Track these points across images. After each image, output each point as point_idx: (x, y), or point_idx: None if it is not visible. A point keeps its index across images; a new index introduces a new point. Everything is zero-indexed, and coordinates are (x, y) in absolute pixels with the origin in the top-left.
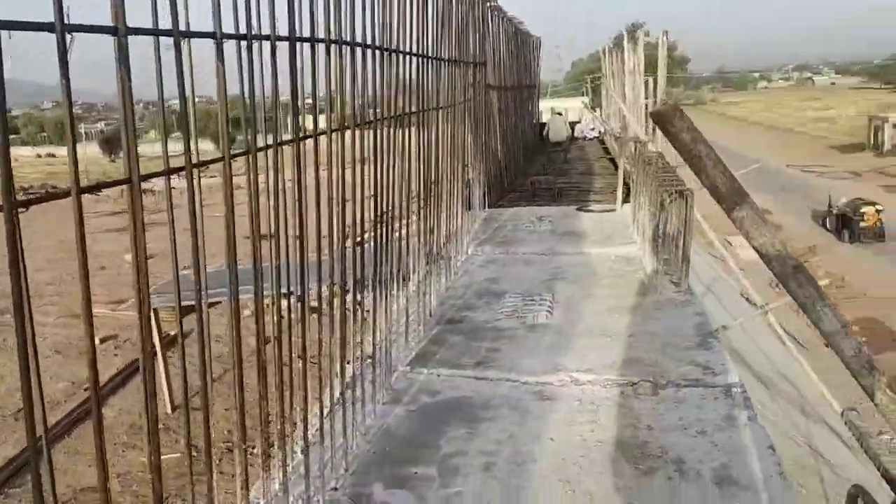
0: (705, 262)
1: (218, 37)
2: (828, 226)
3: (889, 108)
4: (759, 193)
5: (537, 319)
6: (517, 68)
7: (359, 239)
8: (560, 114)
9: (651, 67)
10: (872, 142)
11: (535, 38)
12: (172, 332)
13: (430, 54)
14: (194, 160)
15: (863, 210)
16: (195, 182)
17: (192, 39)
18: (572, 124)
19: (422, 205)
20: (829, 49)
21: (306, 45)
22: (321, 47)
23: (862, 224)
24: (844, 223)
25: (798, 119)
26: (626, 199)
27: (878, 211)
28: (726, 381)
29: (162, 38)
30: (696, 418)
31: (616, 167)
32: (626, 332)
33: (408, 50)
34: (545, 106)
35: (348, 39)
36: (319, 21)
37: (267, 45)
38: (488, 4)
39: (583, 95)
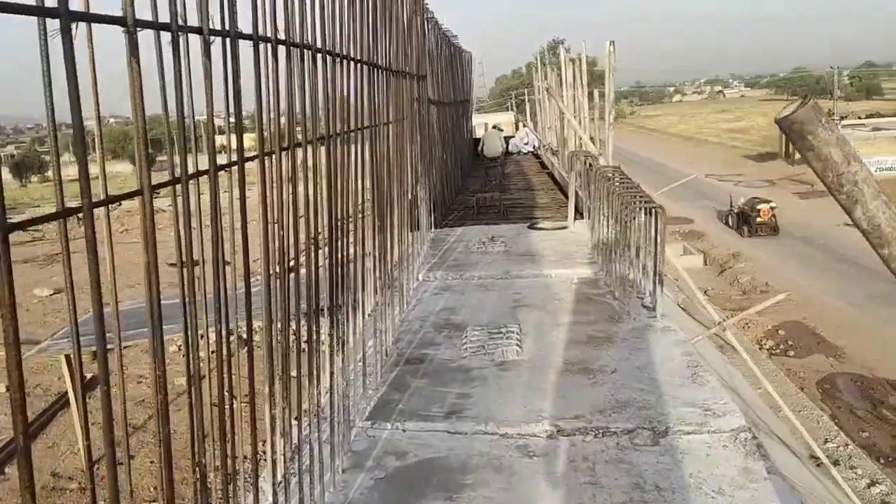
0: None
1: (129, 24)
2: (730, 223)
3: None
4: (679, 203)
5: (507, 355)
6: (453, 83)
7: (294, 264)
8: (496, 128)
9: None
10: (784, 151)
11: (467, 52)
12: (89, 375)
13: (379, 63)
14: (101, 191)
15: (759, 207)
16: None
17: (96, 27)
18: (506, 139)
19: (373, 225)
20: (738, 65)
21: (246, 47)
22: (265, 48)
23: (759, 220)
24: (744, 220)
25: (713, 130)
26: (577, 215)
27: (772, 208)
28: (732, 425)
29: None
30: (708, 473)
31: (555, 182)
32: (608, 368)
33: (357, 57)
34: (476, 121)
35: (296, 41)
36: (263, 17)
37: (196, 41)
38: (427, 15)
39: (507, 110)
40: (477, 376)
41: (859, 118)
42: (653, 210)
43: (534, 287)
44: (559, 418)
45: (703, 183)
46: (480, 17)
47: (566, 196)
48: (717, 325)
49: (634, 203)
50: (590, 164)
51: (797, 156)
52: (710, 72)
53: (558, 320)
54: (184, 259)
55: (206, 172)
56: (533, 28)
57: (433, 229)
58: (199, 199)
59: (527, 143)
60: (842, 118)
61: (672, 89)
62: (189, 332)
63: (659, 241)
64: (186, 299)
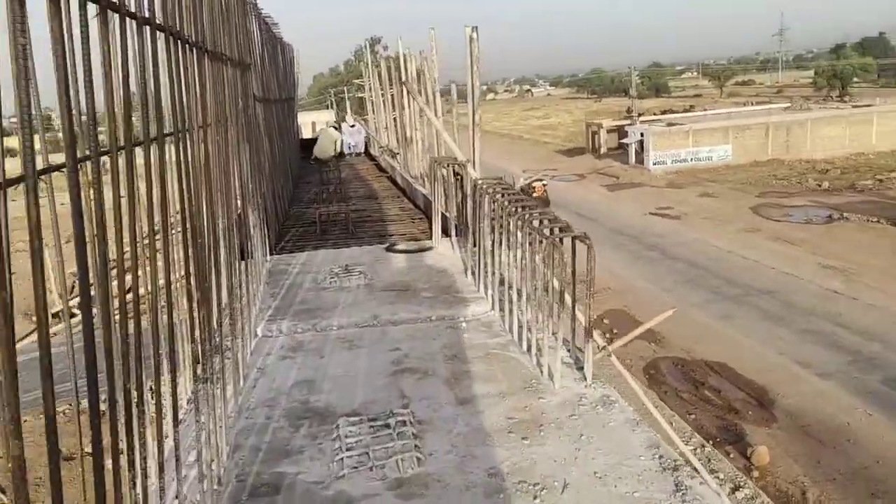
0: None
1: None
2: None
3: (597, 115)
4: None
5: (404, 468)
6: (277, 78)
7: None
8: (335, 127)
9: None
10: (591, 146)
11: (290, 45)
12: None
13: (201, 43)
14: None
15: (534, 184)
16: None
17: None
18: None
19: (183, 257)
20: (542, 65)
21: None
22: None
23: (534, 195)
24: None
25: (525, 127)
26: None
27: (543, 185)
28: None
29: None
30: None
31: (398, 187)
32: (556, 480)
33: (177, 30)
34: (300, 121)
35: None
36: None
37: None
38: None
39: (327, 108)
40: None
41: (654, 115)
42: (581, 240)
43: (414, 338)
44: None
45: (521, 178)
46: (294, 13)
47: (416, 206)
48: (602, 350)
49: (548, 230)
50: (457, 173)
51: (603, 150)
52: (519, 71)
53: (460, 393)
54: None
55: None
56: (347, 25)
57: (269, 256)
58: None
59: (355, 145)
60: (639, 115)
61: (485, 87)
62: None
63: (590, 279)
64: None
